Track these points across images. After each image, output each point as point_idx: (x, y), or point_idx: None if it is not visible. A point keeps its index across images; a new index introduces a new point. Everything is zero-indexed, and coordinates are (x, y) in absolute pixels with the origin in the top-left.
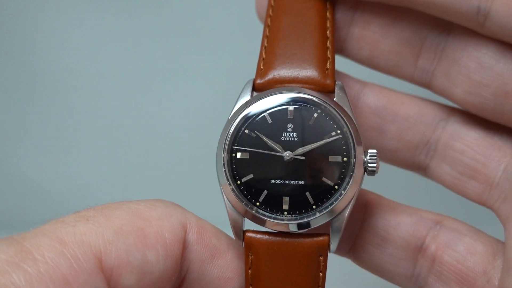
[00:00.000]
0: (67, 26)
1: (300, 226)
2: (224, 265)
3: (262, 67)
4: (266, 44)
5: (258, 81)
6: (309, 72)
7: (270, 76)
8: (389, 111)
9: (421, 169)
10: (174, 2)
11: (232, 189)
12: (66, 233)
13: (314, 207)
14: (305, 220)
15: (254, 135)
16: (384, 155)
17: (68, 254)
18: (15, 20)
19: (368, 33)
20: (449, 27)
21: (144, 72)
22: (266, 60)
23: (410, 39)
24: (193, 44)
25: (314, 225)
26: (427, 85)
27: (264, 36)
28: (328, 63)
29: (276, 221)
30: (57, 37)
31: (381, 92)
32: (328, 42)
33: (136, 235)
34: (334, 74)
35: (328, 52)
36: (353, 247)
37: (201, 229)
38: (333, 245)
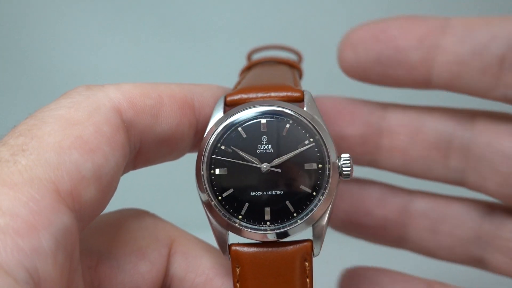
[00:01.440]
0: (68, 26)
1: (283, 234)
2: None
3: (234, 89)
4: (243, 78)
5: (229, 98)
6: (279, 86)
7: (242, 92)
8: (438, 212)
9: (478, 262)
10: (175, 2)
11: (214, 204)
12: (12, 173)
13: (295, 214)
14: (287, 228)
15: (231, 150)
16: (441, 253)
17: (24, 198)
18: (17, 20)
19: (397, 142)
20: (471, 126)
21: (145, 72)
22: (241, 83)
23: (437, 143)
24: (194, 44)
25: (296, 232)
26: (460, 183)
27: (243, 77)
28: (294, 83)
29: (259, 232)
30: (58, 37)
31: (428, 197)
32: (293, 79)
33: (78, 146)
34: (300, 85)
35: (294, 80)
36: None
37: (132, 100)
38: (317, 250)
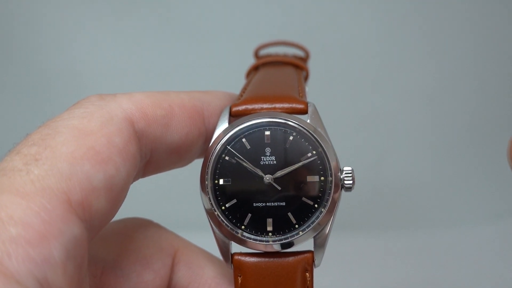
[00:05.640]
0: (69, 26)
1: (284, 245)
2: (176, 127)
3: (240, 97)
4: (249, 83)
5: (234, 108)
6: (283, 96)
7: (246, 103)
8: None
9: None
10: (175, 2)
11: (217, 214)
12: (24, 182)
13: (296, 226)
14: (289, 239)
15: (235, 161)
16: None
17: (35, 208)
18: (18, 21)
19: None
20: None
21: (146, 71)
22: (247, 90)
23: None
24: (194, 43)
25: (298, 243)
26: None
27: (249, 81)
28: (299, 91)
29: (261, 242)
30: (59, 37)
31: None
32: (298, 86)
33: (90, 156)
34: (305, 97)
35: (299, 87)
36: None
37: (144, 110)
38: (318, 260)
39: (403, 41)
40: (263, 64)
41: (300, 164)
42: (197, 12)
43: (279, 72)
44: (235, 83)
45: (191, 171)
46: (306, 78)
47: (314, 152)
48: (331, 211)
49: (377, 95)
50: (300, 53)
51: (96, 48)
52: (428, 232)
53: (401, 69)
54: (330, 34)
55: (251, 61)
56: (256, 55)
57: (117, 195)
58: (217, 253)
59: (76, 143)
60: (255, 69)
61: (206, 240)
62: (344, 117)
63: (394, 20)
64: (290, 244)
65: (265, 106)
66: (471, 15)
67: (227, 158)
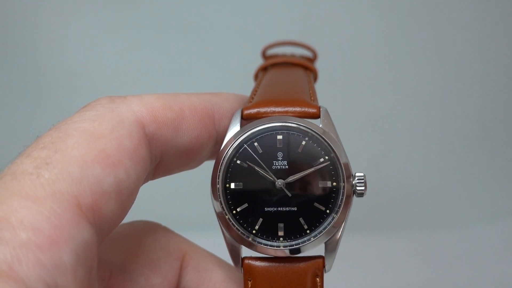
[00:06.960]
0: (69, 26)
1: (295, 251)
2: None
3: (251, 99)
4: (258, 84)
5: (246, 112)
6: (296, 100)
7: (258, 106)
8: None
9: None
10: (175, 2)
11: (228, 218)
12: (35, 186)
13: (308, 231)
14: (300, 245)
15: (246, 165)
16: None
17: (46, 212)
18: (17, 21)
19: None
20: None
21: (146, 71)
22: (258, 92)
23: None
24: (194, 43)
25: (309, 249)
26: None
27: (258, 82)
28: (310, 95)
29: (272, 247)
30: (59, 37)
31: None
32: (309, 89)
33: (101, 160)
34: (317, 100)
35: (310, 90)
36: None
37: (155, 113)
38: (328, 266)
39: (407, 42)
40: (272, 64)
41: (312, 169)
42: (201, 12)
43: (289, 74)
44: (240, 82)
45: (201, 173)
46: (315, 79)
47: (326, 157)
48: (343, 217)
49: (378, 96)
50: (307, 53)
51: (97, 48)
52: (428, 232)
53: (402, 69)
54: (333, 35)
55: (255, 60)
56: (264, 55)
57: (127, 199)
58: (226, 254)
59: (87, 146)
60: (263, 69)
61: (215, 240)
62: (346, 117)
63: (398, 21)
64: (301, 250)
65: (277, 109)
66: (479, 14)
67: (238, 162)
